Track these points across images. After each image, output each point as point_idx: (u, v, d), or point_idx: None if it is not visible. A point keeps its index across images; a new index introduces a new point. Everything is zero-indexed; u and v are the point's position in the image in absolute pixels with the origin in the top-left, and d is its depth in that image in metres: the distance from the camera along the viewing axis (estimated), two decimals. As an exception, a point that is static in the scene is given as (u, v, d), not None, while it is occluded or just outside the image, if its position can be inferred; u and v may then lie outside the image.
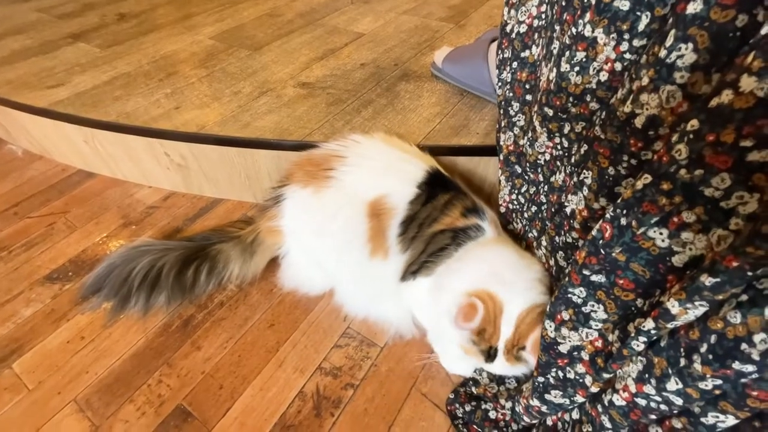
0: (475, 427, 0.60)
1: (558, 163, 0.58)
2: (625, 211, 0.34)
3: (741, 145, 0.26)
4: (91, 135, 0.93)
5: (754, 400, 0.28)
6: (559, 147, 0.57)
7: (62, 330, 0.72)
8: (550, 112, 0.53)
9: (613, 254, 0.36)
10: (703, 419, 0.31)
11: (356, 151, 0.71)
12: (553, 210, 0.58)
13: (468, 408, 0.61)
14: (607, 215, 0.36)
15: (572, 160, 0.53)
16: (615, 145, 0.40)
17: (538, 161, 0.62)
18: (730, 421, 0.30)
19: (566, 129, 0.54)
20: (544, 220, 0.63)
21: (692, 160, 0.28)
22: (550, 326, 0.47)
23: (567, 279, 0.43)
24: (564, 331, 0.46)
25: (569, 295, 0.43)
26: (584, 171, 0.46)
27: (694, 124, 0.27)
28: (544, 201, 0.63)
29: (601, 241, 0.37)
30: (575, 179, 0.48)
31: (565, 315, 0.45)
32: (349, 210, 0.67)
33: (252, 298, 0.76)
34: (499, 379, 0.64)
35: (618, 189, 0.42)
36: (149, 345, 0.69)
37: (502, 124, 0.69)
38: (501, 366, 0.57)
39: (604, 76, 0.45)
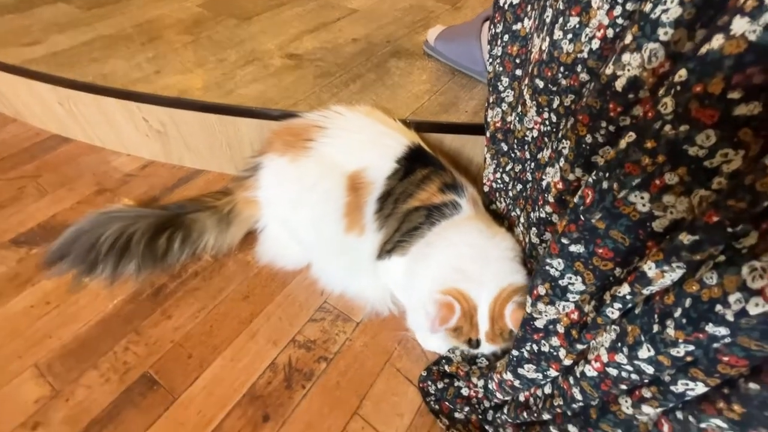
0: (447, 403, 0.59)
1: (546, 140, 0.57)
2: (607, 174, 0.33)
3: (729, 97, 0.25)
4: (66, 96, 0.89)
5: (724, 366, 0.27)
6: (547, 122, 0.55)
7: (26, 294, 0.69)
8: (541, 84, 0.52)
9: (593, 221, 0.35)
10: (672, 387, 0.31)
11: (337, 122, 0.69)
12: (536, 187, 0.57)
13: (441, 385, 0.60)
14: (590, 179, 0.35)
15: (559, 135, 0.52)
16: (594, 110, 0.39)
17: (526, 138, 0.61)
18: (700, 388, 0.29)
19: (555, 103, 0.52)
20: (528, 198, 0.62)
21: (678, 115, 0.27)
22: (527, 302, 0.47)
23: (546, 250, 0.42)
24: (540, 306, 0.45)
25: (546, 267, 0.42)
26: (563, 140, 0.45)
27: (682, 74, 0.26)
28: (530, 179, 0.61)
29: (581, 207, 0.36)
30: (556, 151, 0.47)
31: (542, 290, 0.44)
32: (327, 182, 0.65)
33: (228, 269, 0.74)
34: (471, 359, 0.63)
35: (594, 158, 0.41)
36: (117, 312, 0.67)
37: (491, 101, 0.68)
38: (488, 348, 0.57)
39: (595, 44, 0.43)
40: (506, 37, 0.62)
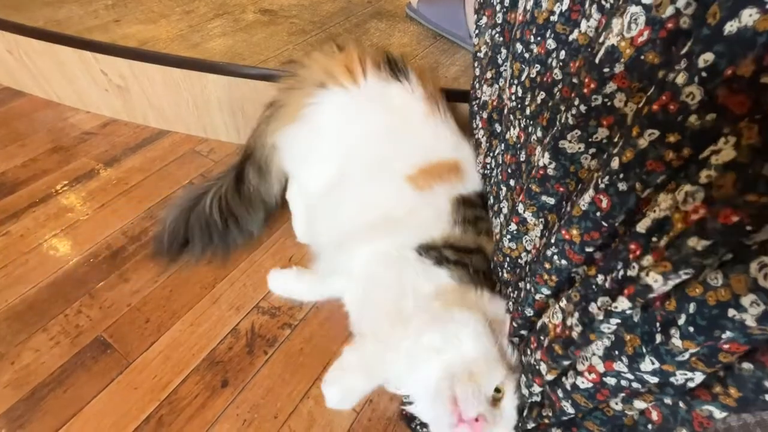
0: None
1: (511, 117, 0.54)
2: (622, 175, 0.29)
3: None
4: (15, 43, 0.82)
5: (725, 354, 0.25)
6: (513, 97, 0.52)
7: (-30, 253, 0.64)
8: (519, 49, 0.49)
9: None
10: (672, 379, 0.28)
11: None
12: (508, 171, 0.54)
13: None
14: (601, 184, 0.31)
15: (526, 112, 0.49)
16: (575, 84, 0.36)
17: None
18: (698, 377, 0.27)
19: (524, 74, 0.49)
20: (499, 183, 0.59)
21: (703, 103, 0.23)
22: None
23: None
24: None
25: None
26: (539, 118, 0.42)
27: (707, 58, 0.23)
28: (500, 162, 0.58)
29: (598, 213, 0.32)
30: (531, 131, 0.44)
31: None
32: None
33: (191, 233, 0.71)
34: None
35: (563, 143, 0.38)
36: (70, 275, 0.63)
37: (488, 76, 0.62)
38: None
39: (566, 4, 0.40)
40: (507, 2, 0.58)
